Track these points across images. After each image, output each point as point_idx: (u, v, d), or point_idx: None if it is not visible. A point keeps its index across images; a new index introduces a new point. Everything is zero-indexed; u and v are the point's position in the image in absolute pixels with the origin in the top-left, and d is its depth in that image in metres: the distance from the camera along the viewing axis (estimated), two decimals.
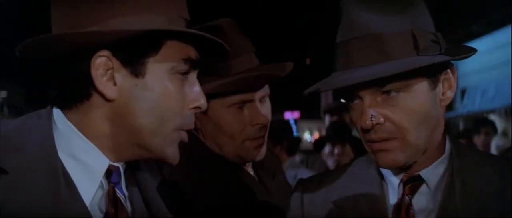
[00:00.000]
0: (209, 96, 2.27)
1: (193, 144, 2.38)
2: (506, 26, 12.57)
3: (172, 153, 1.59)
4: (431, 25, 1.78)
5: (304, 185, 2.03)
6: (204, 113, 2.28)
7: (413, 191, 1.81)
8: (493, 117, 13.31)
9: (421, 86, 1.72)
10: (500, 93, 12.54)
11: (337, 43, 1.78)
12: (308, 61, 20.27)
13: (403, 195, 1.81)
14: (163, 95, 1.52)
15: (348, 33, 1.75)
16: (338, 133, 5.69)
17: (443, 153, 1.83)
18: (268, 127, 2.41)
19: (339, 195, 1.92)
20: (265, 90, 2.41)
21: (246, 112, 2.35)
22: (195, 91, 1.59)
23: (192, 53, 1.56)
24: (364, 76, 1.67)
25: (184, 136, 1.60)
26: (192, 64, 1.56)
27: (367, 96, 1.73)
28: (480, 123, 8.14)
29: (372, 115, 1.72)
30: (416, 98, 1.72)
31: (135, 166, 1.68)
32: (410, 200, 1.80)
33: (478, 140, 7.49)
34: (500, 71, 12.24)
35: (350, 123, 6.96)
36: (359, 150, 5.47)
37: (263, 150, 2.41)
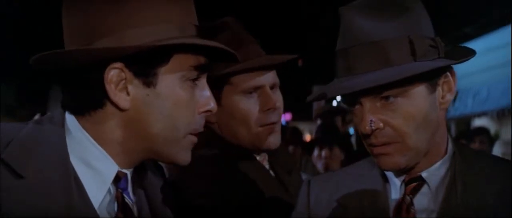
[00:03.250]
0: (222, 86, 2.38)
1: (210, 138, 2.47)
2: (498, 28, 12.60)
3: (183, 158, 1.63)
4: (430, 29, 1.80)
5: (311, 184, 2.07)
6: (218, 103, 2.32)
7: (414, 191, 1.84)
8: (484, 120, 13.37)
9: (420, 91, 1.74)
10: (492, 96, 12.56)
11: (337, 50, 1.80)
12: (300, 62, 20.31)
13: (404, 195, 1.84)
14: (175, 104, 1.56)
15: (348, 41, 1.77)
16: (325, 136, 5.74)
17: (445, 154, 1.85)
18: (281, 113, 2.48)
19: (343, 195, 1.96)
20: (275, 78, 2.48)
21: (258, 98, 2.42)
22: (205, 96, 1.64)
23: (202, 59, 1.60)
24: (362, 84, 1.69)
25: (194, 139, 1.64)
26: (202, 69, 1.61)
27: (367, 102, 1.75)
28: (475, 131, 8.11)
29: (371, 121, 1.74)
30: (415, 103, 1.74)
31: (141, 170, 1.71)
32: (411, 200, 1.83)
33: (472, 147, 7.43)
34: (492, 74, 12.26)
35: (341, 125, 6.99)
36: (349, 151, 5.51)
37: (277, 137, 2.46)
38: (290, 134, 7.03)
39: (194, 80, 1.60)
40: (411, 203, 1.82)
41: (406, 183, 1.85)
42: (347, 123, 7.55)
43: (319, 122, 7.32)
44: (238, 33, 2.45)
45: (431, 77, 1.76)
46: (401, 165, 1.79)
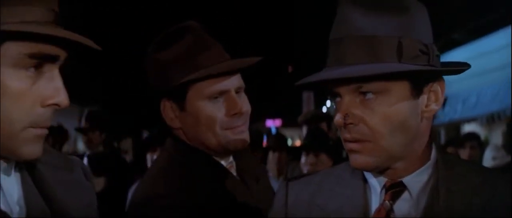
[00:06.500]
0: (186, 92, 2.34)
1: (175, 144, 2.45)
2: (487, 34, 12.67)
3: (26, 152, 1.49)
4: (426, 35, 1.77)
5: (290, 185, 2.02)
6: (183, 109, 2.37)
7: (394, 197, 1.80)
8: (474, 125, 13.42)
9: (400, 93, 1.72)
10: (481, 102, 12.63)
11: (329, 40, 1.78)
12: (290, 69, 20.34)
13: (384, 200, 1.81)
14: (5, 94, 1.42)
15: (338, 32, 1.75)
16: (311, 142, 5.71)
17: (428, 161, 1.82)
18: (248, 116, 2.44)
19: (323, 198, 1.91)
20: (240, 82, 2.43)
21: (223, 102, 2.37)
22: (52, 87, 1.48)
23: (45, 48, 1.46)
24: (337, 74, 1.69)
25: (39, 133, 1.49)
26: (45, 59, 1.46)
27: (346, 96, 1.73)
28: (465, 137, 8.12)
29: (346, 114, 1.72)
30: (393, 105, 1.71)
31: (33, 163, 1.61)
32: (391, 206, 1.79)
33: (463, 153, 7.43)
34: (481, 80, 12.32)
35: (327, 132, 6.99)
36: (338, 158, 5.48)
37: (245, 136, 2.42)
38: (275, 140, 7.02)
39: (38, 69, 1.45)
40: (391, 209, 1.78)
41: (386, 189, 1.82)
42: (335, 130, 7.54)
43: (304, 129, 7.31)
44: (201, 37, 2.41)
45: (416, 82, 1.73)
46: (371, 166, 1.76)
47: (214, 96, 2.34)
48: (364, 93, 1.71)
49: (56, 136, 6.54)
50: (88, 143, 6.54)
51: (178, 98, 2.37)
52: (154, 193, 2.29)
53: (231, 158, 2.49)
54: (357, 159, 1.77)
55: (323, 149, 5.50)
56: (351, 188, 1.89)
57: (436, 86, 1.78)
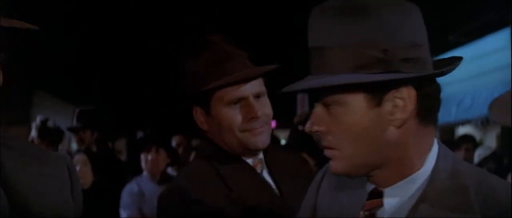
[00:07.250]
0: (210, 98, 2.64)
1: (206, 145, 2.76)
2: (483, 36, 12.68)
3: None
4: (399, 39, 1.65)
5: (325, 171, 2.07)
6: (208, 114, 2.68)
7: (373, 207, 1.79)
8: (468, 128, 13.43)
9: (357, 103, 1.67)
10: (476, 104, 12.62)
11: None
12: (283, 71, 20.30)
13: (361, 211, 1.81)
14: None
15: (309, 41, 1.75)
16: (291, 143, 5.77)
17: (416, 172, 1.74)
18: (268, 119, 2.70)
19: (343, 192, 1.94)
20: (260, 87, 2.67)
21: (241, 108, 2.62)
22: None
23: None
24: (293, 87, 1.72)
25: None
26: None
27: (317, 105, 1.76)
28: (461, 139, 8.15)
29: (313, 122, 1.76)
30: (351, 114, 1.68)
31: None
32: (366, 216, 1.79)
33: (458, 155, 7.46)
34: (476, 82, 12.33)
35: None
36: (321, 157, 5.48)
37: (263, 137, 2.67)
38: None
39: None
40: None
41: (369, 197, 1.81)
42: None
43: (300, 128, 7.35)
44: (223, 48, 2.64)
45: (372, 91, 1.66)
46: (341, 172, 1.76)
47: (233, 102, 2.61)
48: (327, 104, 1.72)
49: (52, 136, 6.54)
50: (80, 142, 6.54)
51: (204, 104, 2.66)
52: (176, 188, 2.59)
53: (260, 155, 2.75)
54: (330, 165, 1.79)
55: (302, 149, 5.53)
56: (360, 188, 1.88)
57: (402, 93, 1.68)
